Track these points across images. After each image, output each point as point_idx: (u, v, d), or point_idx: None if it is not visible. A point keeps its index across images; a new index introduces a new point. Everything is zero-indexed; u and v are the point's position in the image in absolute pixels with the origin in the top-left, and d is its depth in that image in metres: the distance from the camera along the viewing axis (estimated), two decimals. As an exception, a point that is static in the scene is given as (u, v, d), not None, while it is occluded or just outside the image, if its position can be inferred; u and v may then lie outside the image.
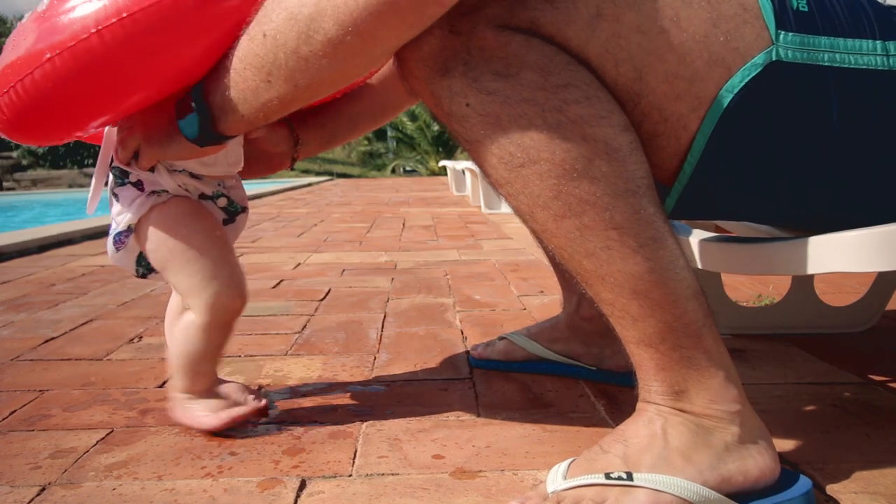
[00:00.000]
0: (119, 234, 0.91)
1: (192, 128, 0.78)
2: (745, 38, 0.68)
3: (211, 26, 0.73)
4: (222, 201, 0.96)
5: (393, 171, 20.80)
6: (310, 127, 1.03)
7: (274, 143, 1.01)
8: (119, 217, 0.91)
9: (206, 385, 0.94)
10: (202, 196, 0.94)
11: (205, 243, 0.90)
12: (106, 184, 0.92)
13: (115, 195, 0.91)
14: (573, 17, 0.66)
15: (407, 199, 6.98)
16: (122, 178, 0.91)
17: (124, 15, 0.69)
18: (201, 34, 0.73)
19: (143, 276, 0.96)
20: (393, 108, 1.08)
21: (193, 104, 0.76)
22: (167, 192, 0.90)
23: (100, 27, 0.69)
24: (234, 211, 0.98)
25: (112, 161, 0.91)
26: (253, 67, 0.70)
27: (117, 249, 0.93)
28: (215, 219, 0.95)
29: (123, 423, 0.99)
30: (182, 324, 0.91)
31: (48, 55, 0.71)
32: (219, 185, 0.95)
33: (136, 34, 0.70)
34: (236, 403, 0.95)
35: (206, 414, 0.93)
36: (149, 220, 0.90)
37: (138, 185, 0.90)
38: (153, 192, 0.90)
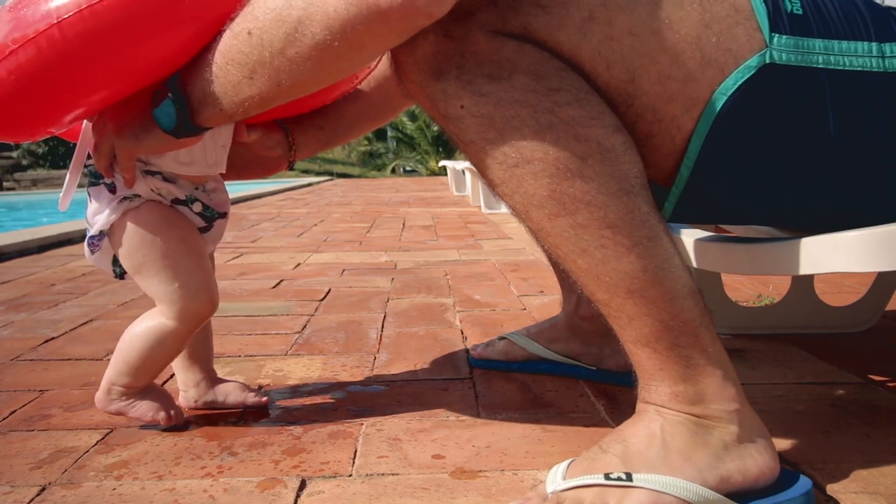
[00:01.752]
0: (92, 237, 0.91)
1: (168, 118, 0.76)
2: (738, 40, 0.68)
3: (177, 21, 0.71)
4: (197, 206, 0.93)
5: (393, 171, 20.78)
6: (307, 130, 1.02)
7: (269, 148, 1.00)
8: (94, 218, 0.90)
9: (147, 383, 0.95)
10: (176, 201, 0.92)
11: (179, 250, 0.90)
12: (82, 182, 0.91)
13: (90, 195, 0.90)
14: (565, 22, 0.67)
15: (407, 199, 6.98)
16: (95, 178, 0.89)
17: (84, 6, 0.67)
18: (166, 29, 0.71)
19: (121, 276, 0.95)
20: (392, 109, 1.08)
21: (170, 94, 0.75)
22: (139, 196, 0.89)
23: (60, 18, 0.68)
24: (211, 216, 0.95)
25: (88, 158, 0.89)
26: (236, 63, 0.70)
27: (92, 252, 0.92)
28: (190, 224, 0.94)
29: (123, 423, 0.98)
30: (149, 325, 0.91)
31: (11, 48, 0.69)
32: (196, 188, 0.93)
33: (98, 26, 0.68)
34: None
35: (155, 412, 0.95)
36: (122, 225, 0.89)
37: (111, 186, 0.89)
38: (125, 198, 0.88)
